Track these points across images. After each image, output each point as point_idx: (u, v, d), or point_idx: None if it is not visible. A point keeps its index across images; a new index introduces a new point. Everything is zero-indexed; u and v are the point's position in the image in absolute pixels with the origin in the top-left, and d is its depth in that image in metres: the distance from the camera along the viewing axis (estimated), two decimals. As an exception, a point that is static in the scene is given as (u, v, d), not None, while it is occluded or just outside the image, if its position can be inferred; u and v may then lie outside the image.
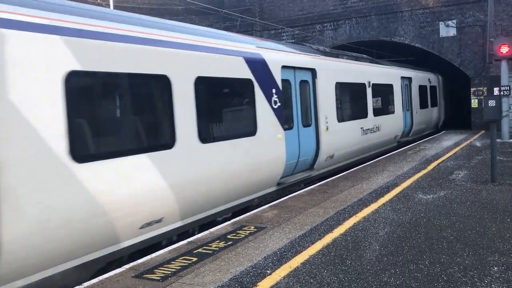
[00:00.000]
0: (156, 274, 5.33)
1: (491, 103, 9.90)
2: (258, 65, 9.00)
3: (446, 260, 5.33)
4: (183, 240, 6.73)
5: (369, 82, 14.86)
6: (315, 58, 11.65)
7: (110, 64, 5.86)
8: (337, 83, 12.50)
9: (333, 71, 12.41)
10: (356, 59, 14.78)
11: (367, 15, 23.74)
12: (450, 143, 17.44)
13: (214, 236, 6.72)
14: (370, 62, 15.85)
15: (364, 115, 14.30)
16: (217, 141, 7.68)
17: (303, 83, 10.91)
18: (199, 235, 6.81)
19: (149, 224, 6.37)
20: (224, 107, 8.17)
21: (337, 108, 12.36)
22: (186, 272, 5.33)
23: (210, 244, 6.32)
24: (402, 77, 18.33)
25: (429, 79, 22.69)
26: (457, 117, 28.86)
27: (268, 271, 5.24)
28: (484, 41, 20.61)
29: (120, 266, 5.82)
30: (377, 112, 15.29)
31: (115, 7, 20.60)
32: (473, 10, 21.51)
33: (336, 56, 13.46)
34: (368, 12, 23.69)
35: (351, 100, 13.69)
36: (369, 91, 14.70)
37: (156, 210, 6.42)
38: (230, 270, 5.34)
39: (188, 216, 7.16)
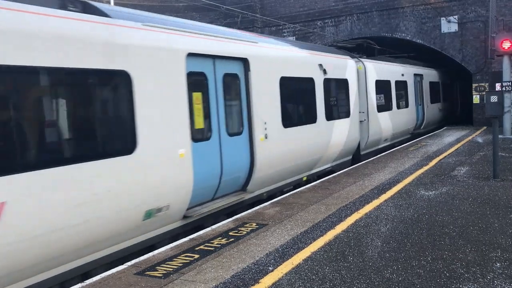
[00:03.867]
0: (158, 271, 5.33)
1: (493, 99, 9.86)
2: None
3: (448, 256, 5.32)
4: (185, 237, 6.73)
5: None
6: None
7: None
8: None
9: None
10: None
11: (368, 11, 23.70)
12: (452, 139, 17.41)
13: (216, 233, 6.72)
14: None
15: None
16: None
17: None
18: (201, 232, 6.81)
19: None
20: None
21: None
22: (188, 269, 5.33)
23: (212, 241, 6.33)
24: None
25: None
26: (460, 113, 28.97)
27: (270, 268, 5.24)
28: (486, 37, 20.53)
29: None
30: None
31: (116, 4, 20.56)
32: (474, 5, 21.42)
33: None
34: (369, 8, 23.64)
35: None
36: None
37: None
38: (232, 267, 5.34)
39: None
